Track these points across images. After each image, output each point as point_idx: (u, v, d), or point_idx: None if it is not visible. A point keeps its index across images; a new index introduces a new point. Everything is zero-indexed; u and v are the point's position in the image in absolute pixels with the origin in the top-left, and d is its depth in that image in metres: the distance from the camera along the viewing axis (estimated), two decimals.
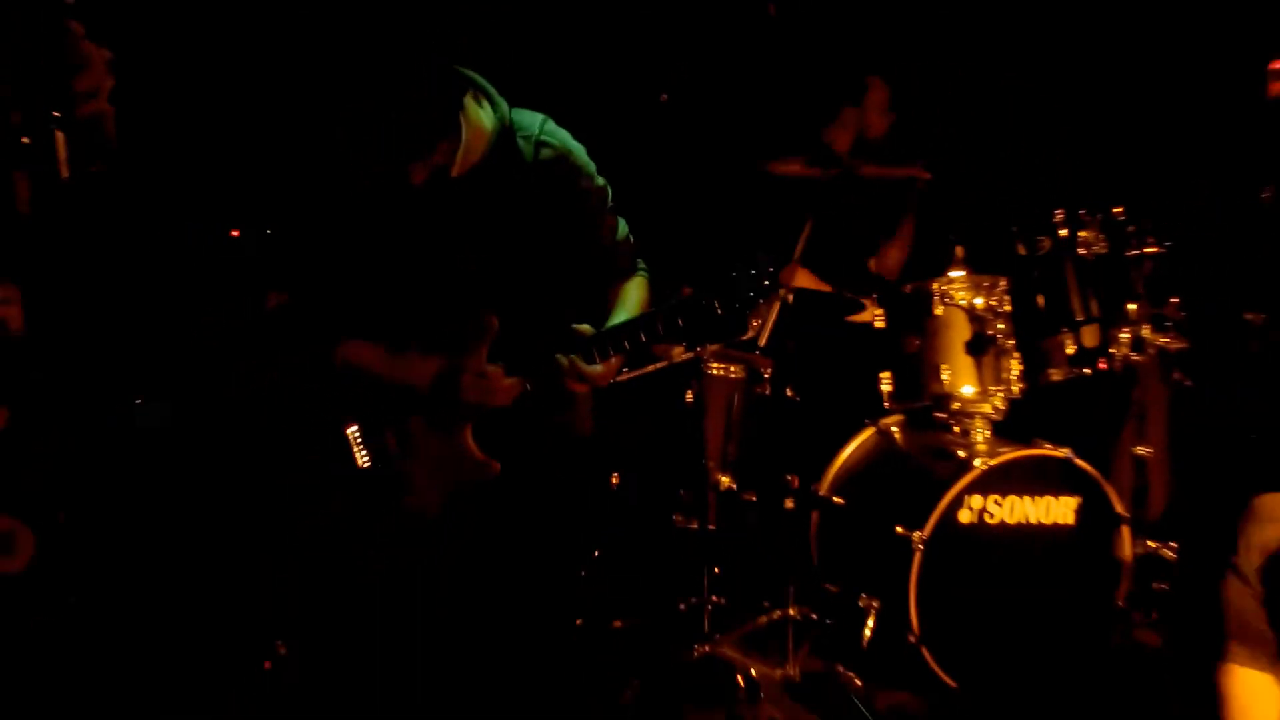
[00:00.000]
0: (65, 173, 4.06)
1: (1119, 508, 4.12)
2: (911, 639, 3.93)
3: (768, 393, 4.18)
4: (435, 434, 2.97)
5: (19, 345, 3.90)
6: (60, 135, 4.08)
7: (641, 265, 3.21)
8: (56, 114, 4.10)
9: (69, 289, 4.01)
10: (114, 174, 4.19)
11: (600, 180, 3.11)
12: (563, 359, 2.92)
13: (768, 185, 4.51)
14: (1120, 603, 4.16)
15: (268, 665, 3.65)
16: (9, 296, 3.89)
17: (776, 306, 4.06)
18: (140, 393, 4.08)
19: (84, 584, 3.88)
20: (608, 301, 3.12)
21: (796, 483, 4.29)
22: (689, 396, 4.08)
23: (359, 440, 3.01)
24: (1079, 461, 4.09)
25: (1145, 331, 4.21)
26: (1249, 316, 4.66)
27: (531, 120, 3.04)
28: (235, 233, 4.22)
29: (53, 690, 3.65)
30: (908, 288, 4.35)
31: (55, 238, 4.04)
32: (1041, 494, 4.07)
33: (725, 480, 4.12)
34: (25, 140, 4.00)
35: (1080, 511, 4.10)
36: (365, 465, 3.00)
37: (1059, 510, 4.09)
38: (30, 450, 3.90)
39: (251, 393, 3.79)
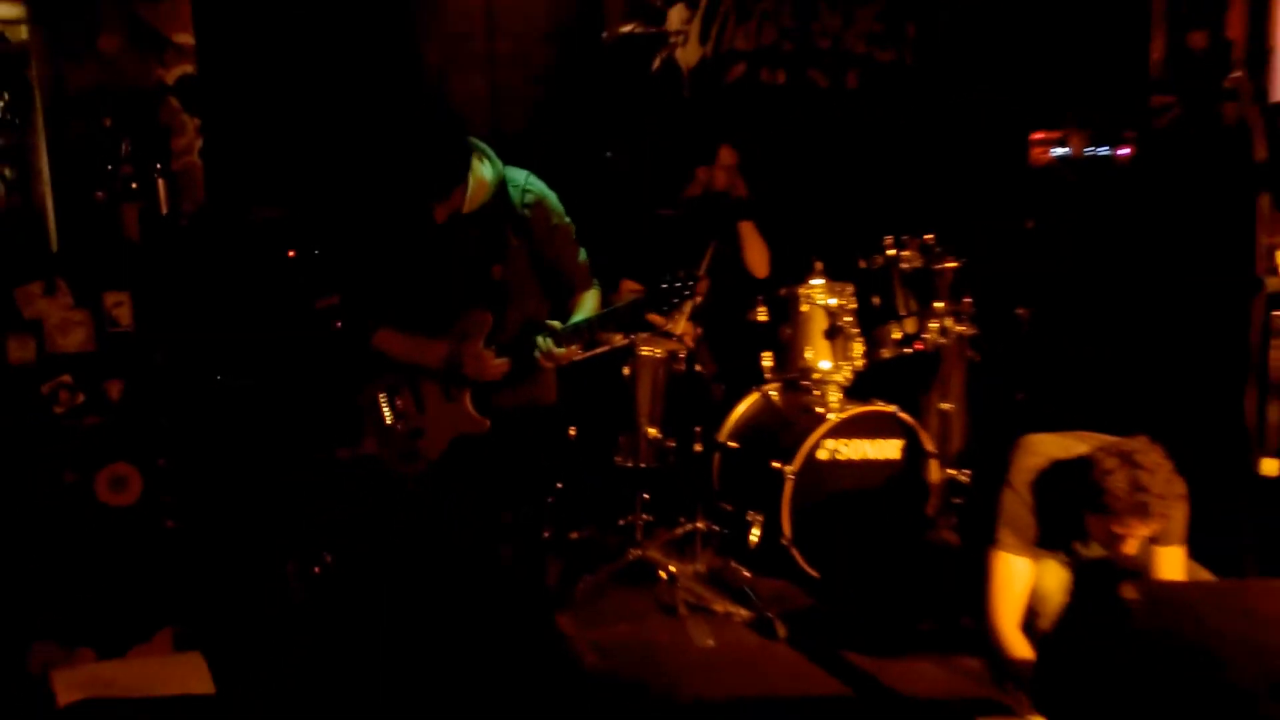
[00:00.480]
0: (165, 210, 4.22)
1: (929, 446, 4.25)
2: (784, 542, 4.05)
3: (683, 369, 4.23)
4: (443, 398, 3.09)
5: (129, 337, 4.05)
6: (161, 181, 4.23)
7: (595, 281, 3.27)
8: (159, 165, 4.23)
9: (167, 296, 4.11)
10: (202, 212, 4.35)
11: (568, 219, 3.17)
12: (540, 344, 3.02)
13: (663, 223, 4.59)
14: (930, 513, 4.29)
15: (318, 570, 3.70)
16: (121, 300, 4.05)
17: (689, 307, 4.14)
18: (220, 370, 4.13)
19: (178, 513, 3.99)
20: (570, 306, 3.18)
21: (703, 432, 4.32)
22: (626, 371, 4.13)
23: (385, 402, 3.14)
24: (902, 414, 4.22)
25: (948, 322, 4.37)
26: (1019, 311, 4.91)
27: (518, 174, 3.10)
28: (291, 254, 4.25)
29: (153, 592, 3.73)
30: (782, 291, 4.39)
31: (156, 258, 4.13)
32: (876, 438, 4.18)
33: (653, 431, 4.16)
34: (134, 185, 4.15)
35: (903, 450, 4.22)
36: (390, 420, 3.13)
37: (888, 449, 4.21)
38: (138, 414, 4.03)
39: (305, 370, 3.90)
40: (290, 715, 3.15)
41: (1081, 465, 2.86)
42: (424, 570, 3.21)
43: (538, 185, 3.13)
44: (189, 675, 3.15)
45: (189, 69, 4.37)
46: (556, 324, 3.09)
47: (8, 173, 4.27)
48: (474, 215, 3.05)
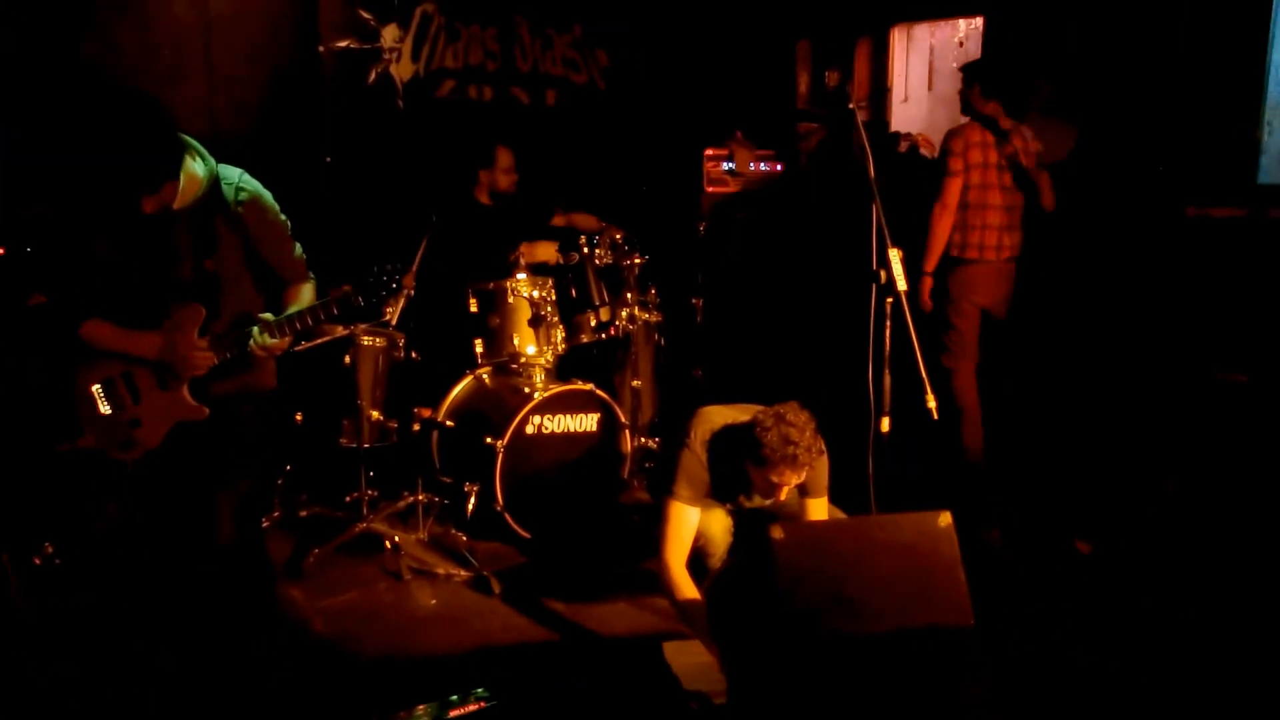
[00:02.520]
0: None
1: (622, 419, 4.28)
2: (498, 508, 3.99)
3: (400, 356, 4.12)
4: (159, 388, 2.90)
5: None
6: None
7: (310, 275, 3.15)
8: None
9: None
10: None
11: (283, 216, 3.03)
12: (254, 335, 2.89)
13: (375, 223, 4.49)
14: (624, 476, 4.35)
15: (38, 560, 3.41)
16: None
17: (403, 299, 3.98)
18: None
19: None
20: (286, 298, 3.06)
21: (424, 413, 4.25)
22: (347, 360, 4.01)
23: (101, 394, 2.91)
24: (598, 391, 4.22)
25: (636, 310, 4.48)
26: (694, 301, 5.16)
27: (232, 172, 2.94)
28: (1, 250, 3.89)
29: None
30: (491, 285, 4.34)
31: None
32: (576, 413, 4.18)
33: (375, 414, 4.04)
34: None
35: (600, 422, 4.22)
36: (106, 412, 2.91)
37: (587, 422, 4.20)
38: None
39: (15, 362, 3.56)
40: (16, 702, 2.91)
41: (746, 427, 3.02)
42: (145, 552, 3.02)
43: (251, 183, 2.98)
44: None
45: None
46: (269, 316, 2.95)
47: None
48: (186, 210, 2.86)
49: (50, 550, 3.41)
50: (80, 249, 2.87)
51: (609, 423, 4.27)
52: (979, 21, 5.60)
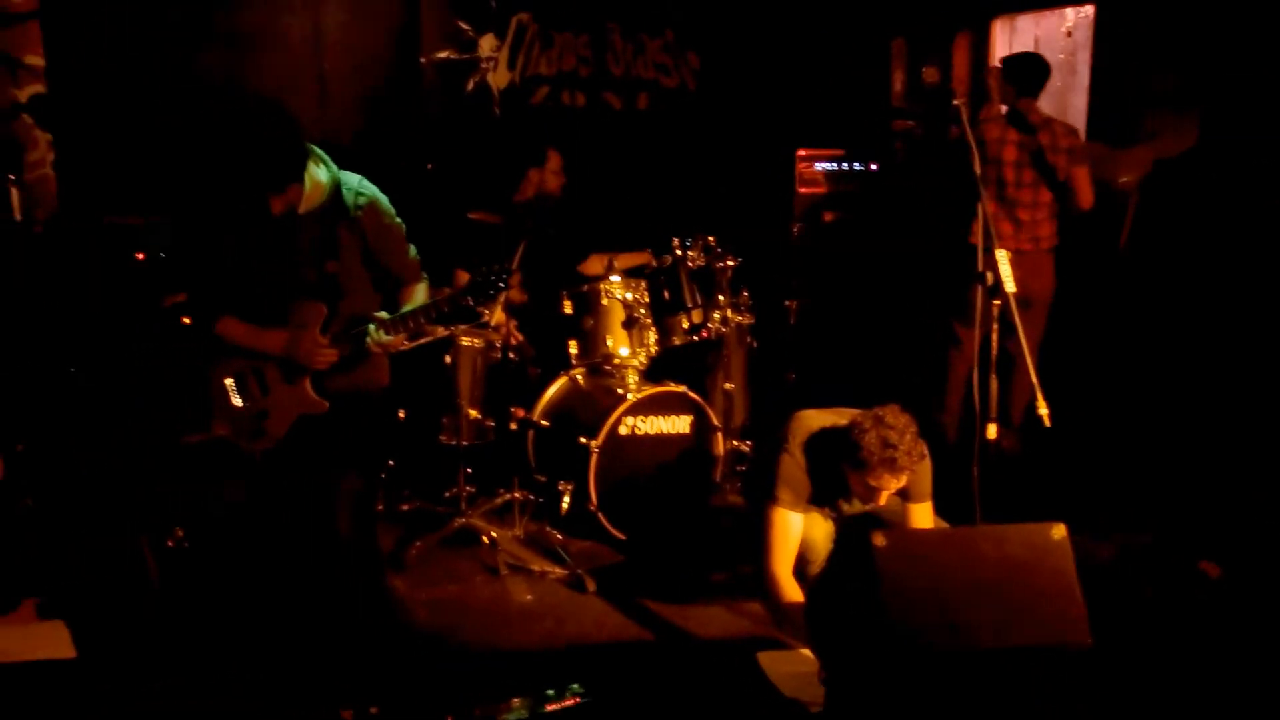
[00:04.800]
0: (18, 216, 4.10)
1: (715, 421, 4.26)
2: (591, 508, 4.01)
3: (499, 357, 4.16)
4: (284, 382, 3.00)
5: None
6: (15, 191, 4.12)
7: (423, 275, 3.21)
8: (12, 177, 4.12)
9: (22, 294, 3.96)
10: (55, 220, 4.27)
11: (399, 220, 3.10)
12: (370, 333, 2.97)
13: (477, 225, 4.50)
14: (716, 479, 4.32)
15: (170, 543, 3.58)
16: None
17: (503, 300, 4.05)
18: (73, 364, 3.98)
19: (37, 493, 3.84)
20: (401, 298, 3.13)
21: (520, 413, 4.28)
22: (448, 359, 4.05)
23: (234, 387, 3.03)
24: (691, 393, 4.21)
25: (729, 313, 4.42)
26: (788, 303, 5.07)
27: (352, 178, 3.02)
28: (140, 256, 4.10)
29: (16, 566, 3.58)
30: (585, 287, 4.37)
31: (10, 262, 4.02)
32: (669, 414, 4.17)
33: (473, 412, 4.08)
34: None
35: (693, 425, 4.21)
36: (238, 404, 3.03)
37: (680, 424, 4.19)
38: None
39: (155, 358, 3.73)
40: (146, 677, 3.03)
41: (844, 430, 2.96)
42: (269, 539, 3.11)
43: (370, 189, 3.06)
44: (52, 642, 3.13)
45: (40, 88, 4.32)
46: (385, 314, 3.03)
47: None
48: (310, 215, 2.96)
49: (181, 534, 3.60)
50: (214, 251, 2.99)
51: (701, 425, 4.26)
52: (1089, 10, 5.33)
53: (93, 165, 4.40)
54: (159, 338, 3.80)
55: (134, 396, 4.00)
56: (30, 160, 4.28)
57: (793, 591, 3.03)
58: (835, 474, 3.04)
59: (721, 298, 4.41)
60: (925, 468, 3.06)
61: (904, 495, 3.09)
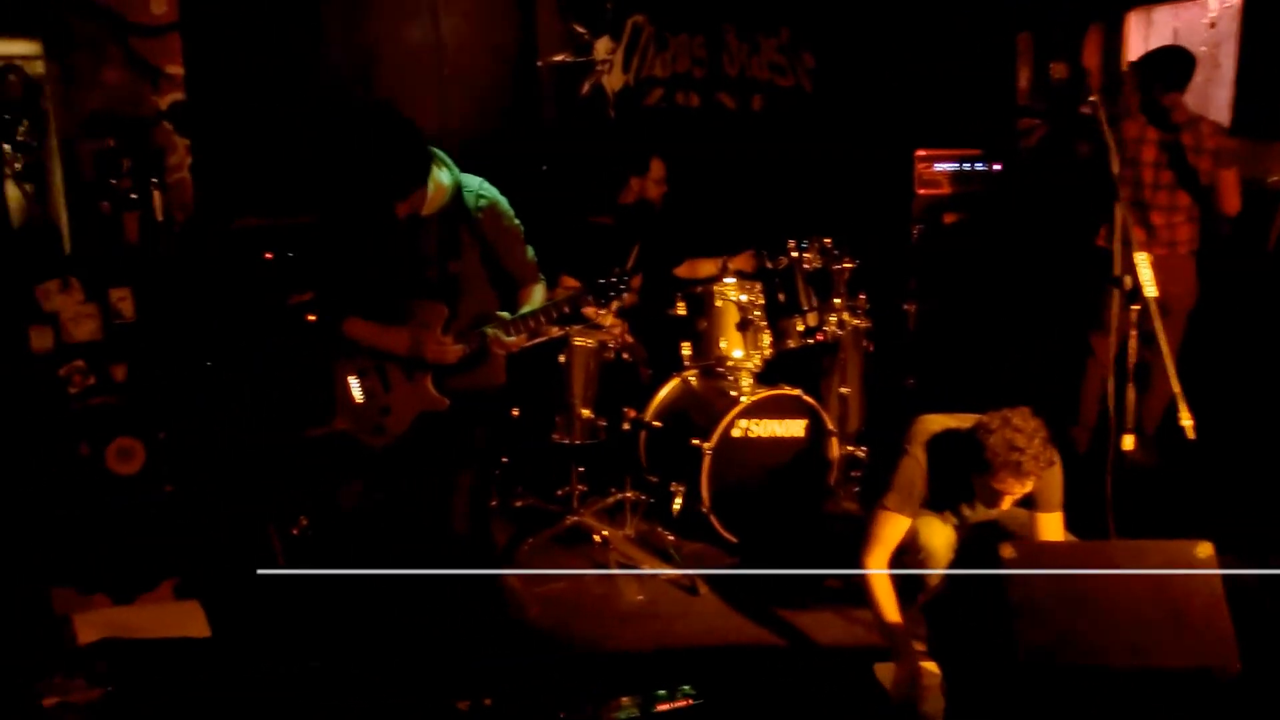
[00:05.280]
0: (160, 218, 4.34)
1: (830, 425, 4.19)
2: (703, 510, 3.99)
3: (612, 357, 4.17)
4: (406, 380, 3.08)
5: (132, 327, 4.21)
6: (157, 193, 4.35)
7: (541, 276, 3.25)
8: (154, 180, 4.35)
9: (164, 291, 4.19)
10: (191, 220, 4.47)
11: (517, 221, 3.15)
12: (490, 332, 3.03)
13: (595, 227, 4.56)
14: (830, 484, 4.26)
15: (295, 531, 3.72)
16: (124, 295, 4.19)
17: (616, 303, 3.90)
18: (210, 358, 4.18)
19: (176, 479, 4.07)
20: (520, 299, 3.17)
21: (631, 413, 4.29)
22: (562, 359, 4.08)
23: (357, 383, 3.11)
24: (806, 397, 4.15)
25: (845, 316, 4.37)
26: (906, 307, 4.96)
27: (473, 181, 3.08)
28: (269, 256, 4.28)
29: (156, 547, 3.76)
30: (699, 289, 4.36)
31: (153, 259, 4.26)
32: (783, 417, 4.12)
33: (586, 412, 4.09)
34: (134, 196, 4.29)
35: (807, 429, 4.15)
36: (360, 399, 3.11)
37: (794, 428, 4.14)
38: (141, 394, 4.15)
39: (281, 355, 3.87)
40: (275, 655, 3.16)
41: (969, 431, 2.88)
42: (387, 532, 3.19)
43: (490, 191, 3.11)
44: (188, 620, 3.30)
45: (179, 96, 4.51)
46: (505, 314, 3.08)
47: (28, 187, 4.49)
48: (433, 217, 3.03)
49: (305, 523, 3.76)
50: (343, 253, 3.08)
51: (816, 429, 4.21)
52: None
53: (226, 169, 4.59)
54: (285, 335, 3.96)
55: (262, 391, 4.16)
56: (170, 164, 4.48)
57: (885, 600, 2.97)
58: (958, 477, 2.96)
59: (838, 300, 4.36)
60: (1055, 475, 2.95)
61: (1032, 504, 2.99)
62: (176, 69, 4.49)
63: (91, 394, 4.15)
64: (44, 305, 4.14)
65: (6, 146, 4.38)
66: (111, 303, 4.22)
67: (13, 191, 4.44)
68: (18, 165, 4.44)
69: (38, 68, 4.38)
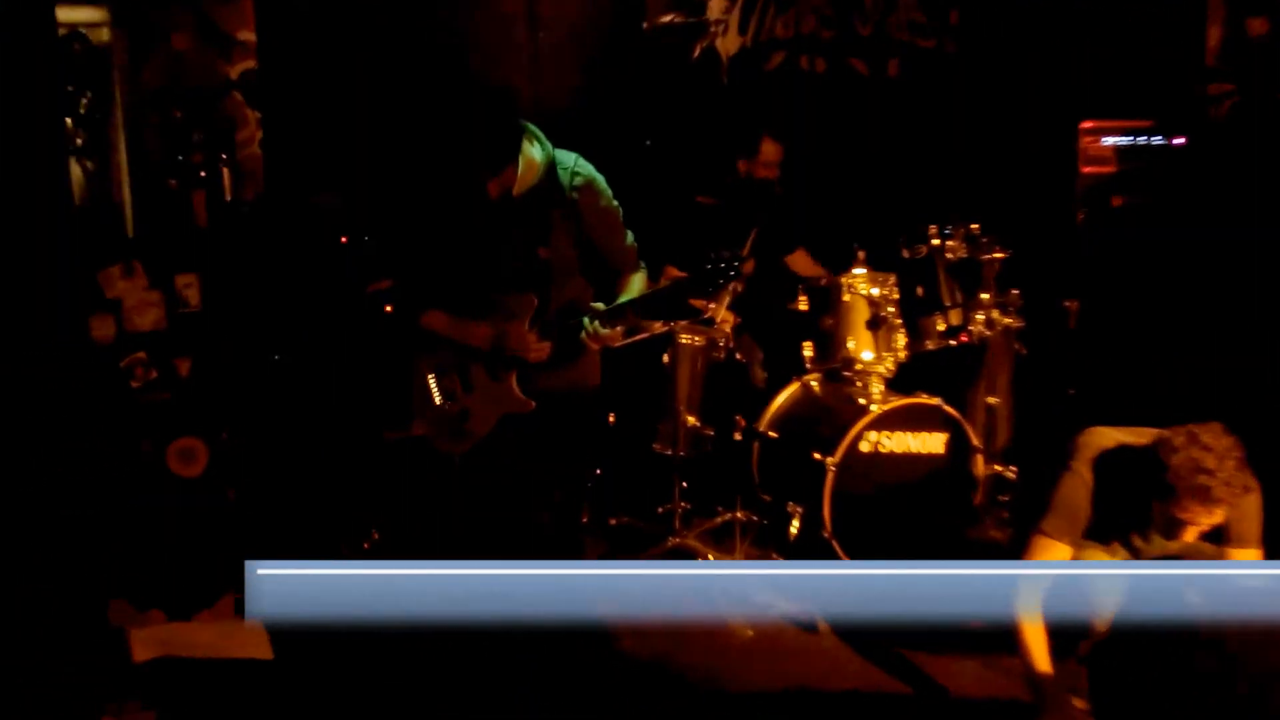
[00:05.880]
0: (229, 197, 4.42)
1: (975, 441, 4.14)
2: (825, 535, 3.96)
3: (722, 357, 4.16)
4: (489, 379, 3.12)
5: (197, 317, 4.28)
6: (226, 171, 4.44)
7: (641, 264, 3.27)
8: (224, 155, 4.44)
9: (231, 278, 4.28)
10: (262, 200, 4.55)
11: (615, 203, 3.18)
12: (585, 325, 3.05)
13: (699, 209, 4.55)
14: (975, 508, 4.19)
15: (366, 545, 3.78)
16: (190, 282, 4.27)
17: (727, 295, 4.01)
18: (278, 350, 4.28)
19: (239, 485, 4.15)
20: (618, 288, 3.20)
21: (743, 421, 4.28)
22: (665, 358, 4.08)
23: (436, 384, 3.16)
24: (946, 407, 4.11)
25: (994, 314, 4.24)
26: (1067, 304, 4.80)
27: (568, 157, 3.11)
28: (344, 239, 4.35)
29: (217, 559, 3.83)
30: (824, 281, 4.32)
31: (221, 242, 4.33)
32: (919, 431, 4.08)
33: (691, 419, 4.08)
34: (202, 174, 4.38)
35: (948, 444, 4.11)
36: (439, 401, 3.16)
37: (932, 443, 4.10)
38: (205, 390, 4.25)
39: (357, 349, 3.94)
40: (342, 685, 3.21)
41: (1148, 448, 2.79)
42: (467, 544, 3.21)
43: (586, 168, 3.14)
44: (251, 641, 3.35)
45: (251, 64, 4.60)
46: (600, 305, 3.12)
47: (90, 165, 4.58)
48: (524, 197, 3.06)
49: (377, 537, 3.83)
50: (425, 237, 3.14)
51: (958, 444, 4.15)
52: None
53: (300, 145, 4.67)
54: (361, 326, 4.02)
55: (334, 388, 4.24)
56: (240, 139, 4.58)
57: (1035, 645, 2.88)
58: (1130, 501, 2.87)
59: (985, 296, 4.24)
60: (1251, 504, 2.83)
61: (1223, 538, 2.87)
62: (249, 35, 4.58)
63: (153, 388, 4.24)
64: (106, 292, 4.24)
65: (68, 121, 4.49)
66: (177, 290, 4.32)
67: (74, 169, 4.56)
68: (79, 141, 4.57)
69: (103, 35, 4.49)
